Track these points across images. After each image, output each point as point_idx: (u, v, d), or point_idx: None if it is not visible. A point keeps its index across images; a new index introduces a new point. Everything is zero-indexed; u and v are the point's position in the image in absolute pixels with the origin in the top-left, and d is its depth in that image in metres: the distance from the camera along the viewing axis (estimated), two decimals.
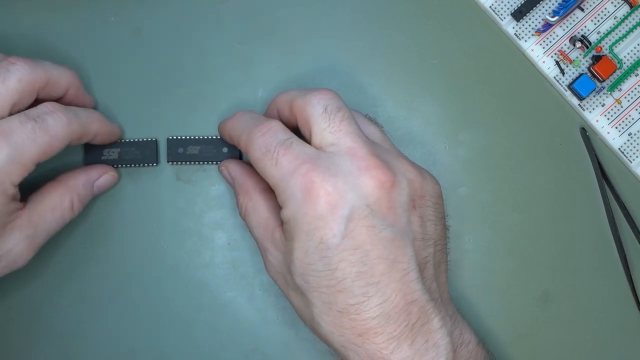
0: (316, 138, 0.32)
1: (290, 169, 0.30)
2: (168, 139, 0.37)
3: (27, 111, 0.32)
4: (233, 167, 0.36)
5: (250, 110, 0.35)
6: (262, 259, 0.34)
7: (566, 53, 0.38)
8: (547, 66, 0.38)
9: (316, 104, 0.32)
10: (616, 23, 0.38)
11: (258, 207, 0.34)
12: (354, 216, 0.30)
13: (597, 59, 0.38)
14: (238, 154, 0.37)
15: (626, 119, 0.38)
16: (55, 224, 0.34)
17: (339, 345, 0.31)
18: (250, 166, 0.35)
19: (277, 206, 0.33)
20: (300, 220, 0.30)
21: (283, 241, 0.32)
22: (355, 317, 0.30)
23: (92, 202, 0.37)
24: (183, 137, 0.37)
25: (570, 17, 0.38)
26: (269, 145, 0.31)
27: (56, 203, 0.34)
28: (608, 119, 0.38)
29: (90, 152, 0.37)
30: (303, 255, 0.30)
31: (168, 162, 0.37)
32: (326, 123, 0.32)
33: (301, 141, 0.32)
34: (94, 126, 0.34)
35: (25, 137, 0.31)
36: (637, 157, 0.38)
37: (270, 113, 0.35)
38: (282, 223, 0.32)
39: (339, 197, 0.30)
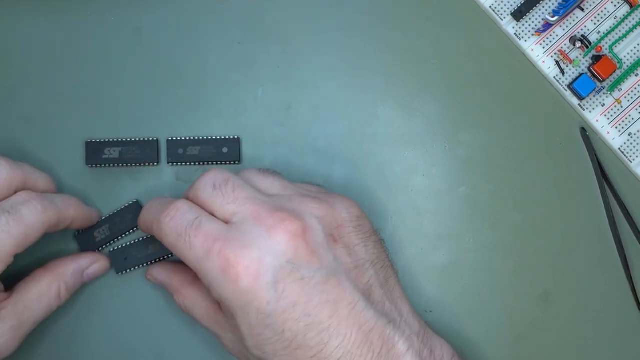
0: (219, 214, 0.31)
1: (204, 250, 0.30)
2: (168, 140, 0.37)
3: (0, 203, 0.32)
4: (156, 272, 0.36)
5: (165, 196, 0.35)
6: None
7: (566, 53, 0.38)
8: (547, 66, 0.38)
9: (204, 186, 0.32)
10: (616, 23, 0.38)
11: (193, 300, 0.34)
12: (280, 277, 0.29)
13: (597, 58, 0.38)
14: (238, 155, 0.37)
15: (626, 119, 0.38)
16: (42, 312, 0.34)
17: None
18: (172, 263, 0.36)
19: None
20: (230, 299, 0.30)
21: (227, 320, 0.32)
22: None
23: (92, 202, 0.37)
24: (182, 138, 0.37)
25: (570, 17, 0.38)
26: (179, 228, 0.31)
27: (43, 292, 0.34)
28: (608, 119, 0.38)
29: (92, 152, 0.37)
30: (249, 329, 0.30)
31: (168, 163, 0.37)
32: (221, 198, 0.31)
33: (210, 217, 0.31)
34: (70, 212, 0.34)
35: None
36: (637, 157, 0.38)
37: None
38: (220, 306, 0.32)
39: (258, 266, 0.29)
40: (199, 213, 0.31)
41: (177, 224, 0.31)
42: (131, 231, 0.37)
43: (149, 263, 0.37)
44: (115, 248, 0.37)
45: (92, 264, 0.36)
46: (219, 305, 0.32)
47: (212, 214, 0.31)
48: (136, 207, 0.37)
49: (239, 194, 0.31)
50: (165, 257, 0.37)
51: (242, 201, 0.31)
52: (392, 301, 0.32)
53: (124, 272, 0.37)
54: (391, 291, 0.32)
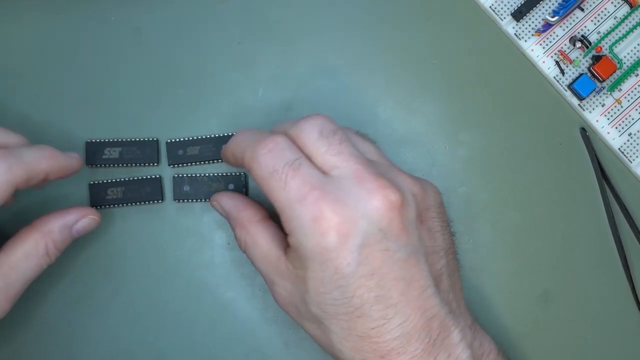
0: (318, 162, 0.30)
1: (299, 194, 0.29)
2: (167, 142, 0.37)
3: None
4: (225, 201, 0.35)
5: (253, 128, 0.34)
6: (269, 290, 0.33)
7: (566, 53, 0.38)
8: (547, 66, 0.38)
9: (310, 129, 0.31)
10: (616, 23, 0.38)
11: (258, 239, 0.33)
12: (368, 242, 0.29)
13: (597, 59, 0.38)
14: None
15: (626, 119, 0.38)
16: (30, 272, 0.33)
17: None
18: (242, 196, 0.35)
19: (277, 234, 0.32)
20: (311, 250, 0.29)
21: (291, 269, 0.31)
22: (377, 339, 0.30)
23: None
24: (182, 139, 0.37)
25: (570, 17, 0.38)
26: (276, 164, 0.30)
27: (30, 251, 0.33)
28: (608, 119, 0.38)
29: (92, 152, 0.37)
30: (318, 284, 0.30)
31: (169, 165, 0.37)
32: (325, 146, 0.30)
33: (309, 162, 0.30)
34: (42, 166, 0.32)
35: None
36: (637, 157, 0.38)
37: None
38: (285, 251, 0.32)
39: (351, 227, 0.29)
40: (299, 154, 0.30)
41: (274, 159, 0.30)
42: (144, 203, 0.37)
43: (206, 200, 0.37)
44: (181, 175, 0.37)
45: (79, 219, 0.34)
46: (285, 251, 0.31)
47: (310, 160, 0.30)
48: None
49: (344, 148, 0.30)
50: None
51: (346, 156, 0.30)
52: (455, 293, 0.32)
53: (181, 200, 0.37)
54: (455, 283, 0.33)
